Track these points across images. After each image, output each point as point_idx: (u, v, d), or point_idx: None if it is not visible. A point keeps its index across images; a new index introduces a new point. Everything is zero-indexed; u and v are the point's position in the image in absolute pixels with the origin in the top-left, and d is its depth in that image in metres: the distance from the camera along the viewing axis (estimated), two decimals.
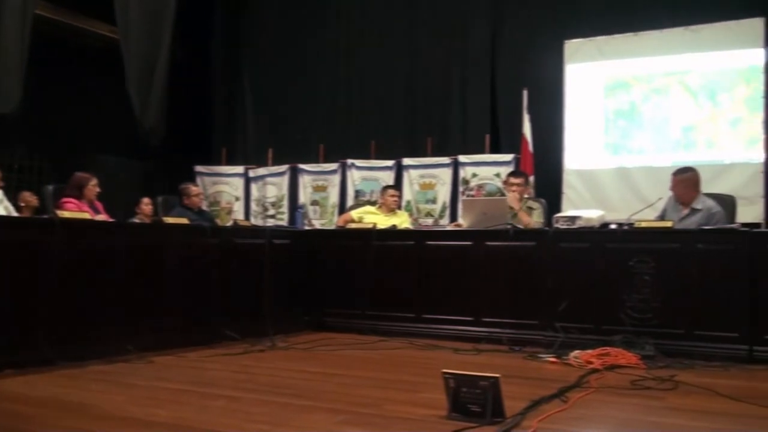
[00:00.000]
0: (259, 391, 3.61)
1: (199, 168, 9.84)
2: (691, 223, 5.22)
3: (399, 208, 7.18)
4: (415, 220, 8.59)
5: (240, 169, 9.94)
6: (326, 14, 10.01)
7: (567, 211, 6.59)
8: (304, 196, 9.52)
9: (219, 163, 10.10)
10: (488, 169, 8.47)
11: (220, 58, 10.66)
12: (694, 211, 5.33)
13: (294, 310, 5.94)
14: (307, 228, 8.40)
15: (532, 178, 7.78)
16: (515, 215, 5.98)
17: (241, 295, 5.49)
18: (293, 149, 9.71)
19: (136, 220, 7.63)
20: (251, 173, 9.87)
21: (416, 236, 5.97)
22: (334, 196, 9.37)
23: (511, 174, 6.51)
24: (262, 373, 4.16)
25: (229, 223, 7.72)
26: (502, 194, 7.23)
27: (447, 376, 3.01)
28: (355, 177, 9.22)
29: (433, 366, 3.30)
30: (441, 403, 3.05)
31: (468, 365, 4.01)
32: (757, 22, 7.27)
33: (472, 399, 2.93)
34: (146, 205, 7.92)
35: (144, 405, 3.27)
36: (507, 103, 8.61)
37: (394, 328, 5.63)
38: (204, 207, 8.03)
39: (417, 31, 9.40)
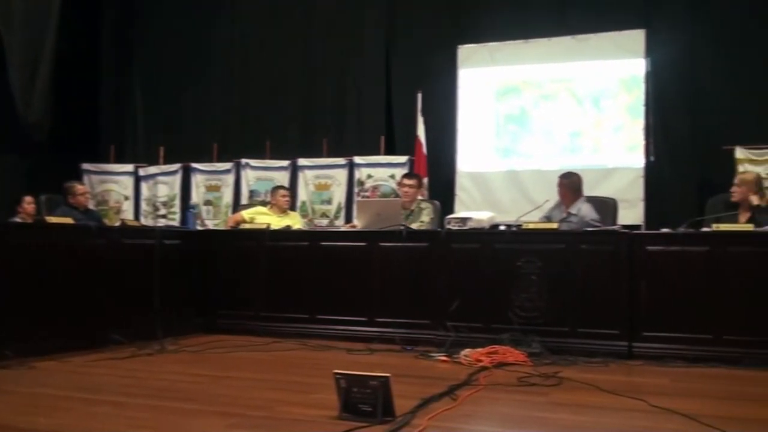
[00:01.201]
0: (146, 396, 3.51)
1: (86, 166, 9.47)
2: (567, 226, 5.42)
3: (292, 208, 7.13)
4: (310, 221, 8.56)
5: (130, 167, 9.63)
6: (221, 11, 9.82)
7: (459, 212, 6.71)
8: (196, 195, 9.32)
9: (107, 161, 9.74)
10: (383, 171, 8.53)
11: (110, 53, 10.27)
12: (570, 215, 5.56)
13: (185, 312, 5.80)
14: (199, 228, 8.22)
15: (426, 180, 7.91)
16: (409, 216, 6.06)
17: (130, 298, 5.32)
18: (186, 148, 9.49)
19: (18, 220, 7.27)
20: (141, 172, 9.58)
21: (310, 237, 5.95)
22: (227, 196, 9.22)
23: (405, 176, 6.60)
24: (150, 378, 4.05)
25: (117, 223, 7.47)
26: (397, 196, 7.30)
27: (338, 376, 3.01)
28: (249, 177, 9.10)
29: (326, 366, 3.31)
30: (333, 403, 3.05)
31: (360, 365, 4.04)
32: (639, 34, 7.62)
33: (362, 399, 2.95)
34: (28, 203, 7.54)
35: (24, 413, 3.13)
36: (402, 105, 8.69)
37: (288, 329, 5.60)
38: (91, 206, 7.74)
39: (312, 32, 9.36)
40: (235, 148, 9.30)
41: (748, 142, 7.26)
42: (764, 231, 4.97)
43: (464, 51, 8.31)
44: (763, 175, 6.68)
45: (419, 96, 8.27)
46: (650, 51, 7.58)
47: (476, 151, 8.24)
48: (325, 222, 8.69)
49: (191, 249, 6.01)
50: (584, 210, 5.56)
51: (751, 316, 4.59)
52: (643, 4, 7.83)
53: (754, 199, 5.35)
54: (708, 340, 4.67)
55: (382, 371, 3.02)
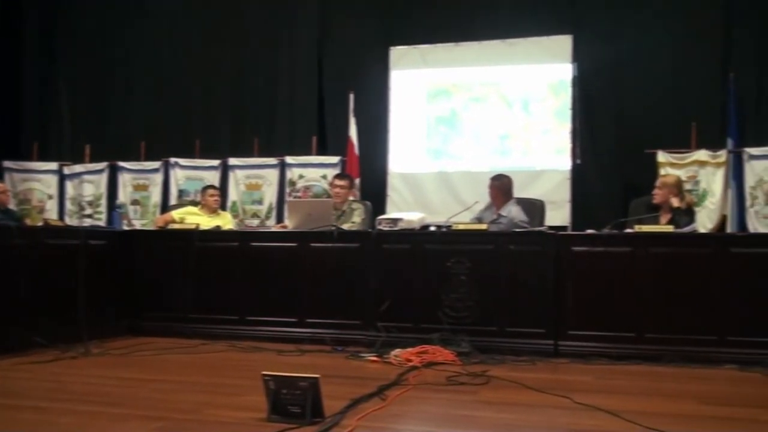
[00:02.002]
0: (70, 401, 3.42)
1: (7, 163, 9.15)
2: (497, 227, 5.51)
3: (223, 208, 7.04)
4: (240, 221, 8.48)
5: (54, 165, 9.35)
6: (150, 6, 9.64)
7: (391, 213, 6.75)
8: (123, 195, 9.12)
9: (30, 159, 9.45)
10: (315, 171, 8.51)
11: (33, 48, 9.96)
12: (500, 217, 5.65)
13: (111, 315, 5.66)
14: (126, 228, 8.05)
15: (357, 181, 7.93)
16: (340, 217, 6.06)
17: (53, 300, 5.15)
18: (112, 146, 9.28)
19: None
20: (66, 170, 9.32)
21: (240, 237, 5.89)
22: (156, 196, 9.04)
23: (337, 176, 6.59)
24: (74, 381, 3.95)
25: (40, 223, 7.25)
26: (329, 196, 7.29)
27: (267, 378, 2.99)
28: (178, 176, 8.95)
29: (255, 368, 3.27)
30: (261, 405, 3.03)
31: (290, 366, 4.03)
32: (566, 40, 7.81)
33: (292, 400, 2.94)
34: None
35: None
36: (334, 105, 8.70)
37: (217, 331, 5.52)
38: (11, 205, 7.50)
39: (244, 31, 9.26)
40: (163, 147, 9.12)
41: (670, 147, 7.52)
42: (684, 232, 5.16)
43: (396, 52, 8.37)
44: (684, 179, 6.94)
45: (351, 97, 8.28)
46: (577, 56, 7.79)
47: (408, 152, 8.30)
48: (256, 222, 8.62)
49: (117, 250, 5.87)
50: (513, 212, 5.66)
51: (671, 315, 4.75)
52: (570, 10, 8.02)
53: (675, 202, 5.52)
54: (630, 338, 4.80)
55: (312, 372, 3.01)
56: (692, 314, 4.74)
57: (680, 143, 7.51)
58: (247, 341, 5.28)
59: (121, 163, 9.17)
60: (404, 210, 7.37)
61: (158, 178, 9.04)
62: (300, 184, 8.56)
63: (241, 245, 5.71)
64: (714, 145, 7.42)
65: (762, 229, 7.03)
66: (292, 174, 8.60)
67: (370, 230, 5.50)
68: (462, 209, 5.98)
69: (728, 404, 3.59)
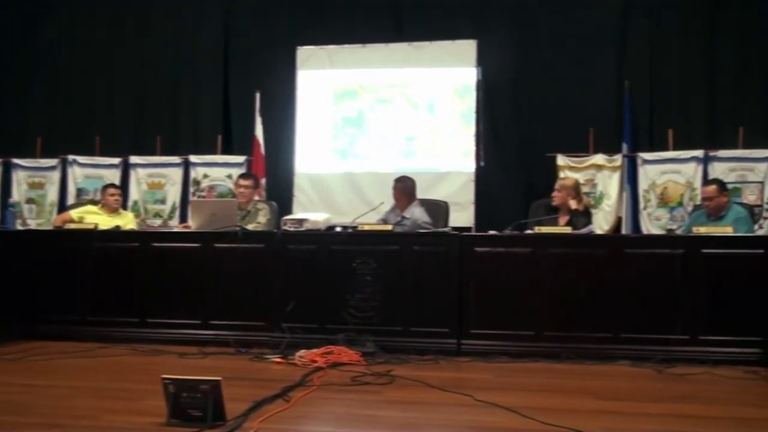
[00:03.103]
0: None
1: None
2: (401, 229, 5.57)
3: (124, 208, 6.85)
4: (142, 221, 8.26)
5: None
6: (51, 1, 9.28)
7: (297, 213, 6.72)
8: (18, 193, 8.74)
9: None
10: (220, 170, 8.38)
11: None
12: (404, 218, 5.72)
13: (3, 318, 5.42)
14: (20, 228, 7.74)
15: (263, 181, 7.87)
16: (245, 217, 6.00)
17: None
18: (6, 142, 8.88)
19: None
20: None
21: (141, 237, 5.73)
22: (52, 194, 8.71)
23: (241, 176, 6.52)
24: None
25: None
26: (234, 196, 7.19)
27: (166, 381, 2.94)
28: (77, 174, 8.64)
29: (156, 372, 3.21)
30: (161, 409, 2.98)
31: (192, 369, 3.97)
32: (470, 44, 7.96)
33: (192, 404, 2.89)
34: None
35: None
36: (240, 104, 8.59)
37: (117, 334, 5.35)
38: None
39: (148, 27, 9.05)
40: (61, 144, 8.79)
41: (569, 151, 7.77)
42: (581, 233, 5.34)
43: (303, 52, 8.35)
44: (582, 182, 7.18)
45: (257, 96, 8.20)
46: (481, 61, 7.94)
47: (314, 153, 8.28)
48: (158, 222, 8.42)
49: (10, 250, 5.62)
50: (417, 213, 5.73)
51: (569, 313, 4.90)
52: (474, 15, 8.18)
53: (573, 204, 5.70)
54: (530, 336, 4.93)
55: (215, 375, 2.97)
56: (588, 312, 4.90)
57: (579, 147, 7.78)
58: (148, 344, 5.15)
59: (16, 160, 8.78)
60: (310, 210, 7.35)
61: (55, 176, 8.71)
62: (204, 183, 8.41)
63: (143, 246, 5.57)
64: (610, 149, 7.71)
65: (654, 231, 7.34)
66: (196, 173, 8.44)
67: (275, 231, 5.46)
68: (368, 210, 6.02)
69: (621, 399, 3.74)
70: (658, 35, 7.89)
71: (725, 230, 5.15)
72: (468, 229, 7.36)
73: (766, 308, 4.71)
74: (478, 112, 7.93)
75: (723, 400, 3.80)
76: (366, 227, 5.33)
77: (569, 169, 7.70)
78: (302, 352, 4.59)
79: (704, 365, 4.55)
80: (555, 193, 5.80)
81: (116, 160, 8.60)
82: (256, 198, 6.45)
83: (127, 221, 6.43)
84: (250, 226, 5.76)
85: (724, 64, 7.72)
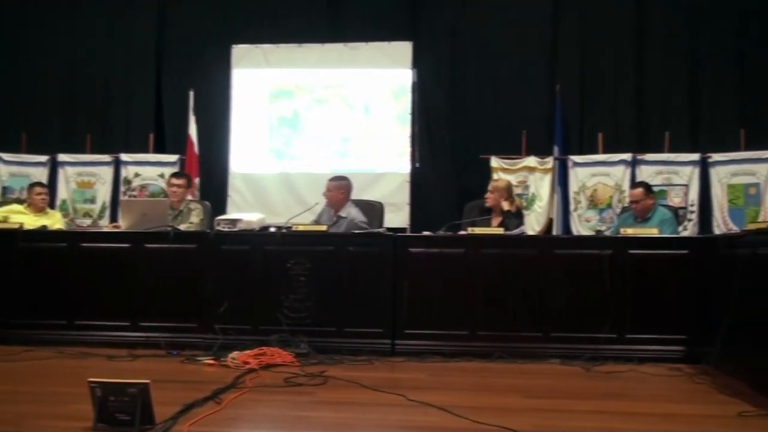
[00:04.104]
0: None
1: None
2: (338, 229, 5.58)
3: (52, 207, 6.66)
4: (71, 221, 8.06)
5: None
6: None
7: (231, 214, 6.64)
8: None
9: None
10: (152, 170, 8.24)
11: None
12: (340, 218, 5.71)
13: None
14: None
15: (197, 180, 7.76)
16: (177, 217, 5.91)
17: None
18: None
19: None
20: None
21: (69, 237, 5.57)
22: None
23: (173, 175, 6.41)
24: None
25: None
26: (167, 195, 7.07)
27: (93, 385, 2.87)
28: (2, 172, 8.38)
29: (84, 375, 3.11)
30: (88, 414, 2.90)
31: (121, 372, 3.89)
32: (406, 46, 8.01)
33: (120, 407, 2.83)
34: None
35: None
36: (173, 102, 8.46)
37: (43, 337, 5.19)
38: None
39: (79, 21, 8.82)
40: None
41: (502, 153, 7.89)
42: (513, 234, 5.42)
43: (238, 51, 8.27)
44: (515, 183, 7.30)
45: (191, 94, 8.09)
46: (417, 63, 8.00)
47: (249, 153, 8.22)
48: (87, 222, 8.23)
49: None
50: (353, 213, 5.73)
51: (501, 313, 4.97)
52: (410, 17, 8.24)
53: (505, 205, 5.79)
54: (463, 336, 4.98)
55: (145, 378, 2.91)
56: (520, 312, 4.98)
57: (512, 150, 7.91)
58: (75, 347, 5.00)
59: None
60: (245, 211, 7.27)
61: None
62: (136, 182, 8.26)
63: (71, 246, 5.41)
64: (542, 152, 7.87)
65: (584, 232, 7.52)
66: (127, 172, 8.29)
67: (208, 231, 5.39)
68: (303, 210, 6.00)
69: (550, 397, 3.82)
70: (588, 41, 8.10)
71: (651, 231, 5.29)
72: (403, 230, 7.41)
73: (690, 307, 4.86)
74: (413, 113, 7.99)
75: (648, 396, 3.92)
76: (301, 228, 5.31)
77: (502, 170, 7.81)
78: (235, 354, 4.53)
79: (631, 363, 4.67)
80: (488, 195, 5.88)
81: (44, 158, 8.37)
82: (189, 198, 6.35)
83: (54, 221, 6.27)
84: (182, 226, 5.67)
85: (652, 69, 7.95)
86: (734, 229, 6.91)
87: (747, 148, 7.47)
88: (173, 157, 8.20)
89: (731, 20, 7.83)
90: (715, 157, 7.51)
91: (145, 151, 8.32)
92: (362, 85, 8.14)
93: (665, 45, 7.95)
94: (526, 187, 7.83)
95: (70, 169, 8.35)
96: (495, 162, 7.88)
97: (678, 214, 6.71)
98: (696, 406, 3.66)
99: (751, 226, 4.71)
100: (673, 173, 7.56)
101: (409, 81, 8.01)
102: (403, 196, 7.88)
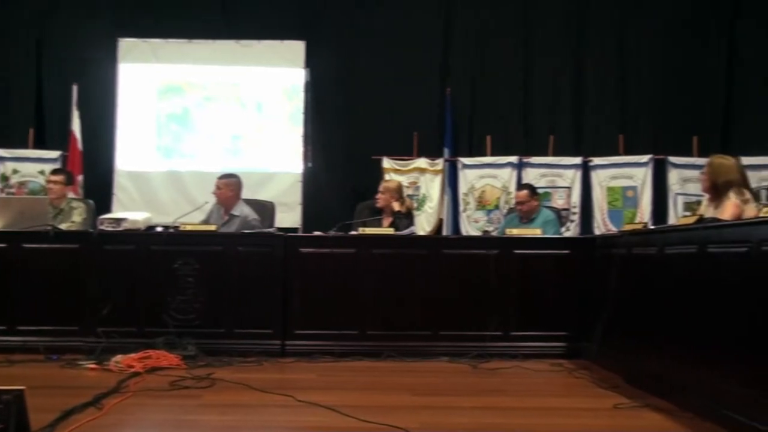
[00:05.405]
0: None
1: None
2: (229, 228, 5.50)
3: None
4: None
5: None
6: None
7: (117, 213, 6.43)
8: None
9: None
10: (32, 166, 7.86)
11: None
12: (232, 217, 5.64)
13: None
14: None
15: (80, 178, 7.48)
16: (58, 215, 5.68)
17: None
18: None
19: None
20: None
21: None
22: None
23: (52, 171, 6.17)
24: None
25: None
26: (47, 193, 6.78)
27: None
28: None
29: None
30: None
31: None
32: (299, 45, 7.98)
33: None
34: None
35: None
36: (55, 97, 8.09)
37: None
38: None
39: None
40: None
41: (394, 153, 7.98)
42: (403, 234, 5.49)
43: (125, 45, 8.02)
44: (406, 184, 7.41)
45: (75, 88, 7.78)
46: (310, 62, 7.98)
47: (137, 150, 7.98)
48: None
49: None
50: (246, 211, 5.66)
51: (391, 312, 5.05)
52: (304, 16, 8.21)
53: (396, 206, 5.85)
54: (354, 336, 5.02)
55: (21, 384, 2.77)
56: (410, 311, 5.07)
57: (403, 151, 8.01)
58: None
59: None
60: (132, 210, 7.04)
61: None
62: (14, 179, 7.86)
63: None
64: (433, 153, 8.02)
65: (473, 232, 7.70)
66: (5, 168, 7.88)
67: (91, 230, 5.21)
68: (192, 209, 5.89)
69: (438, 394, 3.90)
70: (479, 45, 8.28)
71: (535, 232, 5.48)
72: (295, 229, 7.38)
73: (572, 305, 5.08)
74: (306, 113, 7.97)
75: (531, 391, 4.07)
76: (189, 227, 5.21)
77: (394, 171, 7.90)
78: (118, 357, 4.40)
79: (515, 359, 4.84)
80: (379, 195, 5.93)
81: None
82: (71, 196, 6.12)
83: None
84: (63, 226, 5.45)
85: (539, 75, 8.23)
86: (613, 229, 7.23)
87: (625, 153, 7.84)
88: (55, 154, 7.85)
89: (612, 30, 8.20)
90: (596, 161, 7.85)
91: (25, 146, 7.93)
92: (254, 83, 8.05)
93: (551, 52, 8.23)
94: (417, 188, 7.95)
95: None
96: (387, 163, 7.96)
97: (561, 216, 6.99)
98: (574, 400, 3.82)
99: (628, 227, 4.96)
100: (557, 176, 7.85)
101: (301, 80, 7.98)
102: (295, 196, 7.86)
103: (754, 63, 7.88)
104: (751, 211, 4.20)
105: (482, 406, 3.62)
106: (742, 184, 4.41)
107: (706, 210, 4.54)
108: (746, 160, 6.31)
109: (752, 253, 2.99)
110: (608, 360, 4.56)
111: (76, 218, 5.78)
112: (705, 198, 4.77)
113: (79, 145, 7.74)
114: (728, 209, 4.26)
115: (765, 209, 3.37)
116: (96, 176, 7.84)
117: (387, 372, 4.56)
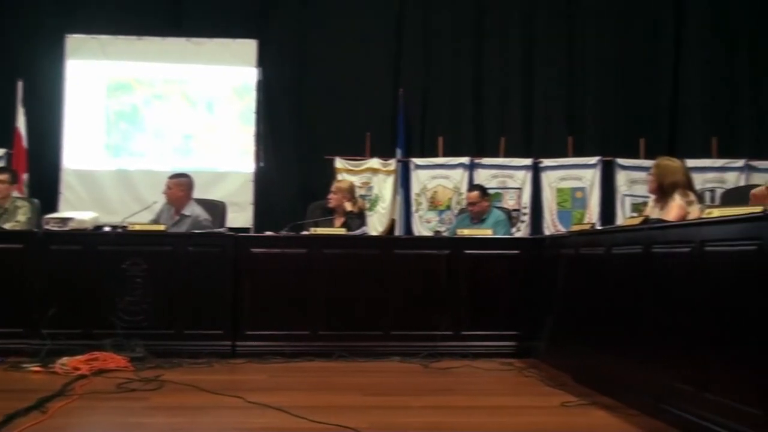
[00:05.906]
0: None
1: None
2: (180, 228, 5.43)
3: None
4: None
5: None
6: None
7: (64, 212, 6.30)
8: None
9: None
10: None
11: None
12: (183, 217, 5.56)
13: None
14: None
15: (25, 176, 7.32)
16: (2, 215, 5.55)
17: None
18: None
19: None
20: None
21: None
22: None
23: None
24: None
25: None
26: None
27: None
28: None
29: None
30: None
31: None
32: (251, 44, 7.93)
33: None
34: None
35: None
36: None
37: None
38: None
39: None
40: None
41: (346, 154, 7.98)
42: (355, 234, 5.49)
43: (73, 41, 7.89)
44: (359, 184, 7.40)
45: (20, 84, 7.60)
46: (262, 61, 7.94)
47: (84, 148, 7.86)
48: None
49: None
50: (198, 210, 5.60)
51: (342, 312, 5.04)
52: (256, 15, 8.16)
53: (348, 206, 5.85)
54: (305, 336, 5.01)
55: None
56: (361, 311, 5.08)
57: (356, 151, 8.01)
58: None
59: None
60: (80, 209, 6.90)
61: None
62: None
63: None
64: (385, 154, 8.03)
65: (425, 233, 7.73)
66: None
67: (35, 230, 5.10)
68: (141, 209, 5.80)
69: (388, 394, 3.91)
70: (431, 46, 8.33)
71: (485, 232, 5.53)
72: (246, 230, 7.33)
73: (522, 304, 5.14)
74: (258, 112, 7.94)
75: (479, 390, 4.11)
76: (137, 227, 5.13)
77: (347, 171, 7.90)
78: (64, 360, 4.31)
79: (466, 359, 4.87)
80: (331, 195, 5.92)
81: None
82: (16, 194, 5.98)
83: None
84: (7, 225, 5.35)
85: (490, 77, 8.30)
86: (562, 230, 7.32)
87: (574, 155, 7.96)
88: None
89: (562, 33, 8.33)
90: (546, 162, 7.96)
91: None
92: (205, 81, 7.98)
93: (502, 54, 8.31)
94: (370, 189, 7.96)
95: None
96: (339, 163, 7.95)
97: (512, 216, 7.06)
98: (522, 398, 3.87)
99: (576, 228, 5.04)
100: (508, 177, 7.94)
101: (253, 79, 7.94)
102: (247, 196, 7.81)
103: (700, 67, 8.07)
104: (695, 212, 4.29)
105: (432, 406, 3.64)
106: (687, 186, 4.50)
107: (652, 211, 4.63)
108: (691, 163, 6.48)
109: (695, 253, 3.06)
110: (557, 359, 4.63)
111: (20, 218, 5.65)
112: (651, 199, 4.85)
113: (24, 142, 7.57)
114: (673, 210, 4.35)
115: (708, 211, 3.44)
116: (42, 175, 7.68)
117: (338, 372, 4.56)
